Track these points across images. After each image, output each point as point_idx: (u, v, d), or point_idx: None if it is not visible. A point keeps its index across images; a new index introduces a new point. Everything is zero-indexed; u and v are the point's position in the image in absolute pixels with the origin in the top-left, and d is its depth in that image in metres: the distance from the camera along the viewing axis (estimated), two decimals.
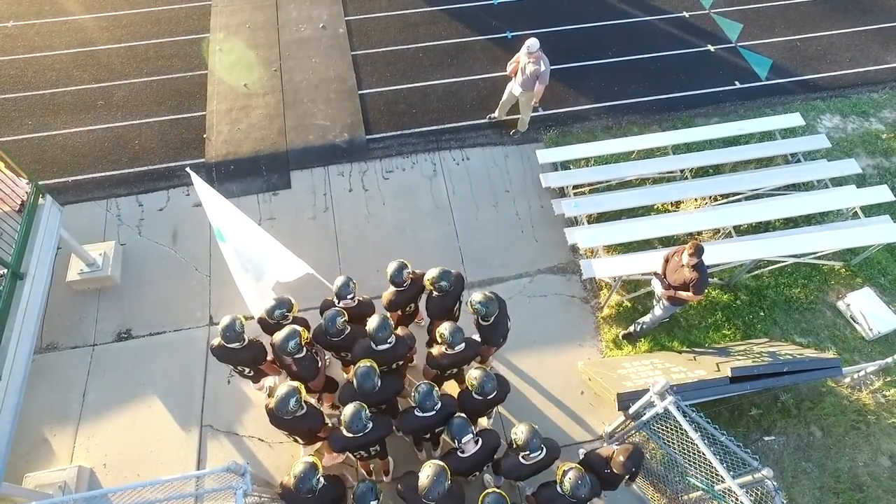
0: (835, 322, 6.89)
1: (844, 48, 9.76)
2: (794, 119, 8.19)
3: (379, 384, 4.74)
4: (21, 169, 5.83)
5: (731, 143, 8.17)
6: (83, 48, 9.59)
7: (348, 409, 4.48)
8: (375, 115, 8.74)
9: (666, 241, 7.19)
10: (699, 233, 7.23)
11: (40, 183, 6.18)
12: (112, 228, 7.61)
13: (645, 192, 7.54)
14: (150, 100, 8.91)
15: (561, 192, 7.78)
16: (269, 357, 5.37)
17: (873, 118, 8.92)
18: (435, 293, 5.33)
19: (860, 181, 7.88)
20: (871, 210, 7.38)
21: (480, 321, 5.24)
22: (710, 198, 7.50)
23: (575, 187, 7.70)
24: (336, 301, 5.34)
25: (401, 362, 5.23)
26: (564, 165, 7.97)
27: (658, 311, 6.24)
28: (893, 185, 7.68)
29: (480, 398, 4.79)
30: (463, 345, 4.94)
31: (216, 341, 5.14)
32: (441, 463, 4.25)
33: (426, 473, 4.16)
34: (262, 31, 9.92)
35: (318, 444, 5.44)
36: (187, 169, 6.15)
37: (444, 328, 4.89)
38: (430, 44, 9.70)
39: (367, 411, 4.51)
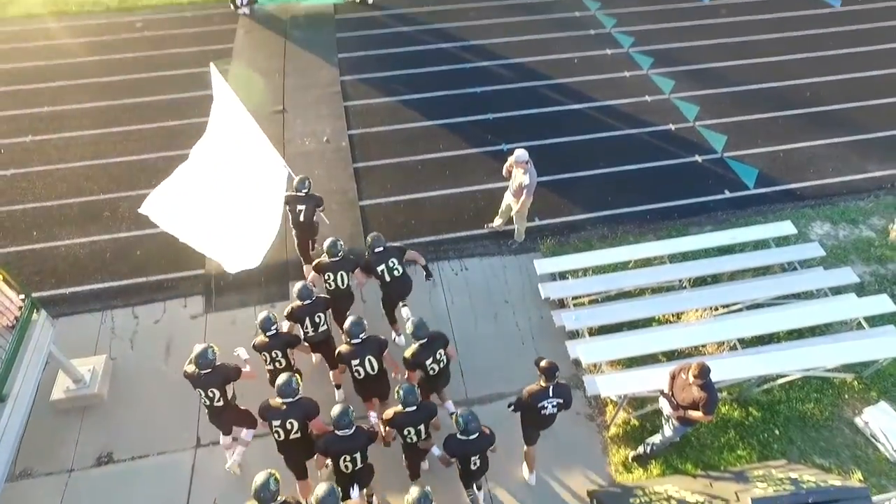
0: (855, 441, 6.56)
1: (826, 158, 10.18)
2: (786, 227, 8.31)
3: (354, 427, 5.07)
4: (18, 283, 5.81)
5: (726, 252, 8.23)
6: (95, 160, 9.97)
7: (321, 488, 4.51)
8: (375, 225, 8.89)
9: (670, 355, 7.02)
10: (703, 345, 7.10)
11: (35, 295, 6.13)
12: (105, 340, 7.45)
13: (645, 304, 7.49)
14: None
15: (560, 303, 7.73)
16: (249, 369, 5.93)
17: (863, 225, 9.09)
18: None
19: (859, 289, 7.86)
20: (874, 319, 7.27)
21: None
22: (711, 308, 7.44)
23: (574, 298, 7.66)
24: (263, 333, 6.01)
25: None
26: (563, 275, 7.99)
27: (668, 431, 5.95)
28: (893, 293, 7.66)
29: (465, 437, 5.06)
30: (414, 407, 5.28)
31: (188, 368, 5.57)
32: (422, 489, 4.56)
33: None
34: None
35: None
36: (211, 64, 6.21)
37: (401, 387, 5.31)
38: (428, 156, 10.11)
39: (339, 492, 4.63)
